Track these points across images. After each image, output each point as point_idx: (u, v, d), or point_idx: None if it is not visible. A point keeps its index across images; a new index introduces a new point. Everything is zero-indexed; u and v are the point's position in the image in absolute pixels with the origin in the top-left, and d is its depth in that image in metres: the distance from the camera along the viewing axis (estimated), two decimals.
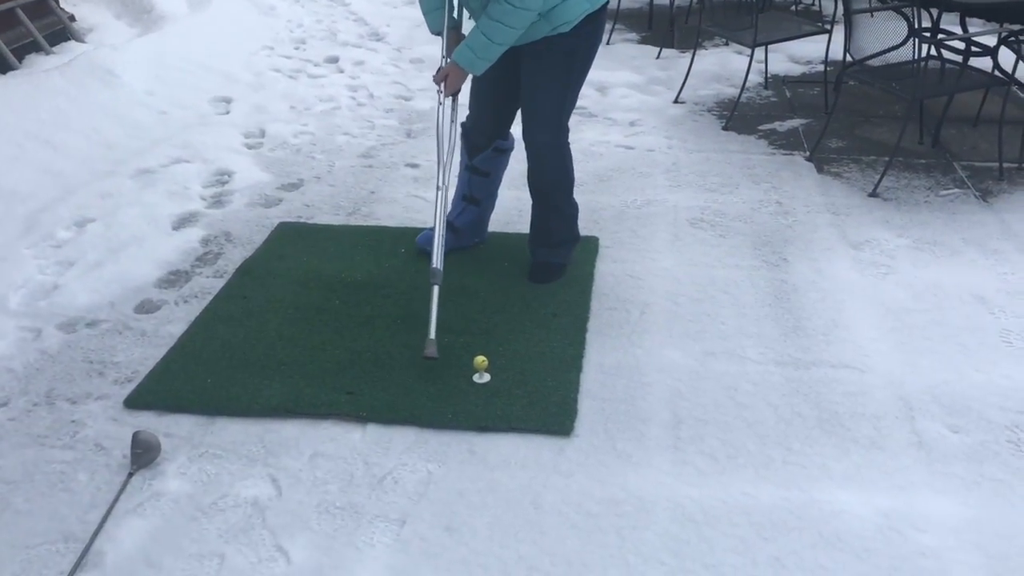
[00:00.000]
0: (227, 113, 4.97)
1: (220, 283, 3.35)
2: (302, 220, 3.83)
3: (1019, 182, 4.10)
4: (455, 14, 3.13)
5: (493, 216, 3.56)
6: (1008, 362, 2.86)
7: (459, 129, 3.22)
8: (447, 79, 3.01)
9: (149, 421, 2.63)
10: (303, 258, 3.49)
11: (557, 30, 2.91)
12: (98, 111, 4.74)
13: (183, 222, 3.80)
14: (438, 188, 3.05)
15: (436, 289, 2.88)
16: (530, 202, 3.32)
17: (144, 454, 2.45)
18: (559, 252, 3.32)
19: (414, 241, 3.54)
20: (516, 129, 3.25)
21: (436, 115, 3.13)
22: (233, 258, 3.53)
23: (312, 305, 3.18)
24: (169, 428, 2.60)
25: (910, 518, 2.27)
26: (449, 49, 3.07)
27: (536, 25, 2.87)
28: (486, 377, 2.77)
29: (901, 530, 2.24)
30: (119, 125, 4.66)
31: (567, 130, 3.13)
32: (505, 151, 3.34)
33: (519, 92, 3.07)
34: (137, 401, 2.70)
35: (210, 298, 3.25)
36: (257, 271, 3.41)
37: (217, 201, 3.99)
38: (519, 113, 3.17)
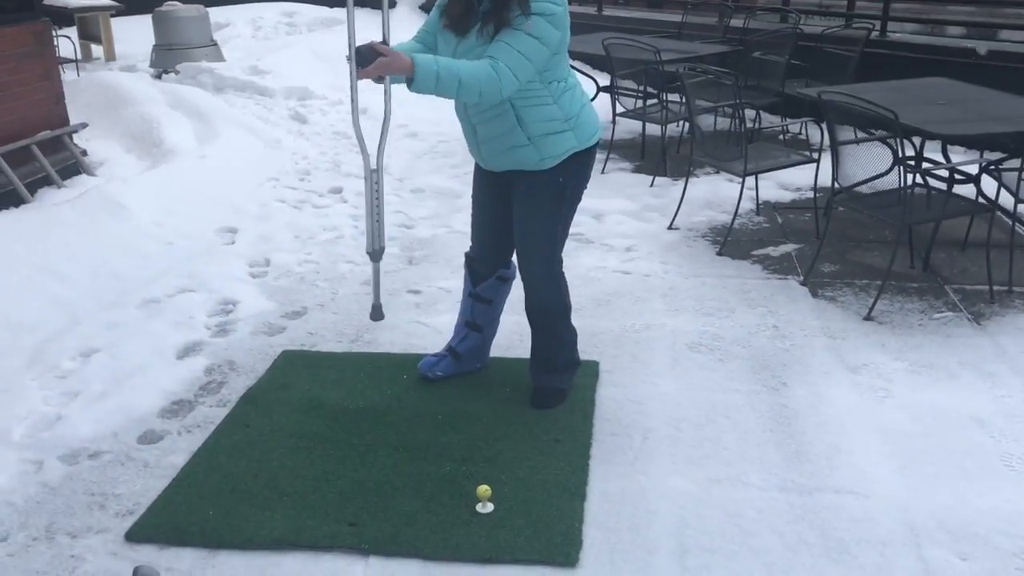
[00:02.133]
0: (233, 243, 5.09)
1: (223, 412, 3.37)
2: (305, 348, 3.87)
3: (1010, 304, 4.17)
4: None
5: (494, 341, 3.61)
6: (1011, 486, 2.86)
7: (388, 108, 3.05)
8: (385, 68, 2.70)
9: (150, 555, 2.61)
10: (306, 386, 3.52)
11: (544, 162, 3.02)
12: (106, 242, 4.85)
13: (187, 351, 3.84)
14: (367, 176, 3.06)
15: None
16: (529, 327, 3.38)
17: None
18: (560, 377, 3.35)
19: (416, 367, 3.58)
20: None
21: (350, 90, 2.98)
22: (236, 387, 3.56)
23: (315, 434, 3.19)
24: (170, 562, 2.57)
25: None
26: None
27: (526, 152, 2.98)
28: (489, 507, 2.75)
29: None
30: (126, 256, 4.76)
31: (560, 260, 3.22)
32: (507, 279, 3.42)
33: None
34: (138, 534, 2.68)
35: (213, 428, 3.26)
36: (260, 400, 3.43)
37: (221, 330, 4.05)
38: None
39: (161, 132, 6.75)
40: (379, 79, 2.88)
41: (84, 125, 6.38)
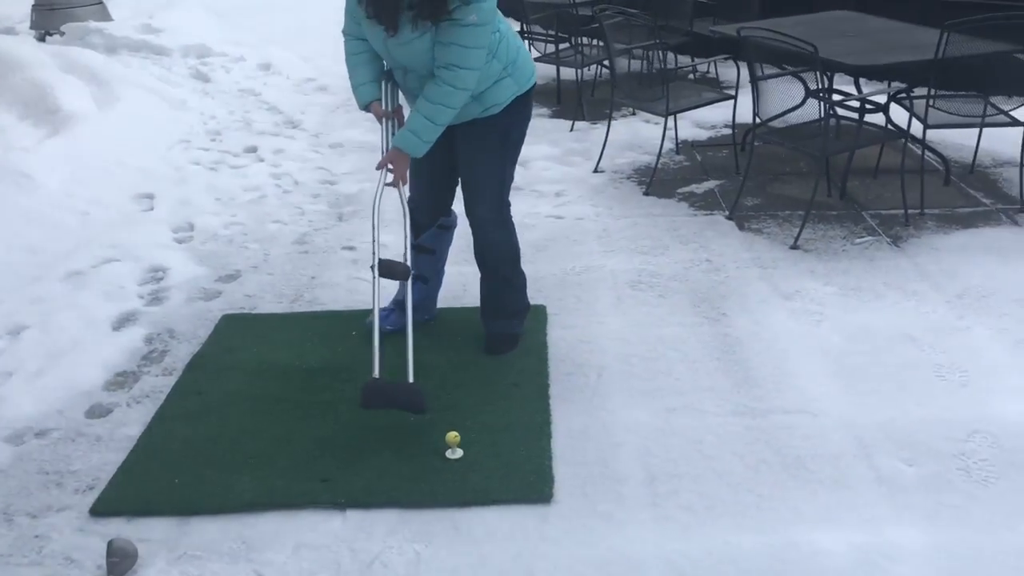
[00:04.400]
0: (151, 209, 4.92)
1: (170, 381, 3.29)
2: (246, 311, 3.80)
3: (923, 226, 4.39)
4: (389, 95, 3.11)
5: (440, 293, 3.61)
6: (944, 395, 3.05)
7: (406, 208, 3.16)
8: (394, 166, 3.01)
9: (120, 528, 2.55)
10: (253, 349, 3.47)
11: (488, 111, 3.03)
12: (17, 215, 4.62)
13: (123, 322, 3.73)
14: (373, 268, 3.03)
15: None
16: (475, 276, 3.39)
17: (121, 562, 2.37)
18: (512, 323, 3.39)
19: (364, 323, 3.55)
20: (458, 205, 3.34)
21: (374, 200, 3.09)
22: (180, 354, 3.48)
23: (270, 396, 3.16)
24: (143, 533, 2.52)
25: (883, 550, 2.38)
26: (390, 129, 3.08)
27: (468, 107, 2.97)
28: (459, 452, 2.79)
29: (877, 563, 2.34)
30: (40, 228, 4.55)
31: (508, 204, 3.24)
32: (449, 228, 3.42)
33: (456, 169, 3.17)
34: (104, 508, 2.62)
35: (163, 397, 3.19)
36: (208, 366, 3.37)
37: (155, 298, 3.93)
38: (460, 189, 3.26)
39: (56, 97, 6.38)
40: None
41: None
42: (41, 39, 8.31)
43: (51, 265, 4.20)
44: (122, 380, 3.33)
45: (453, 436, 2.79)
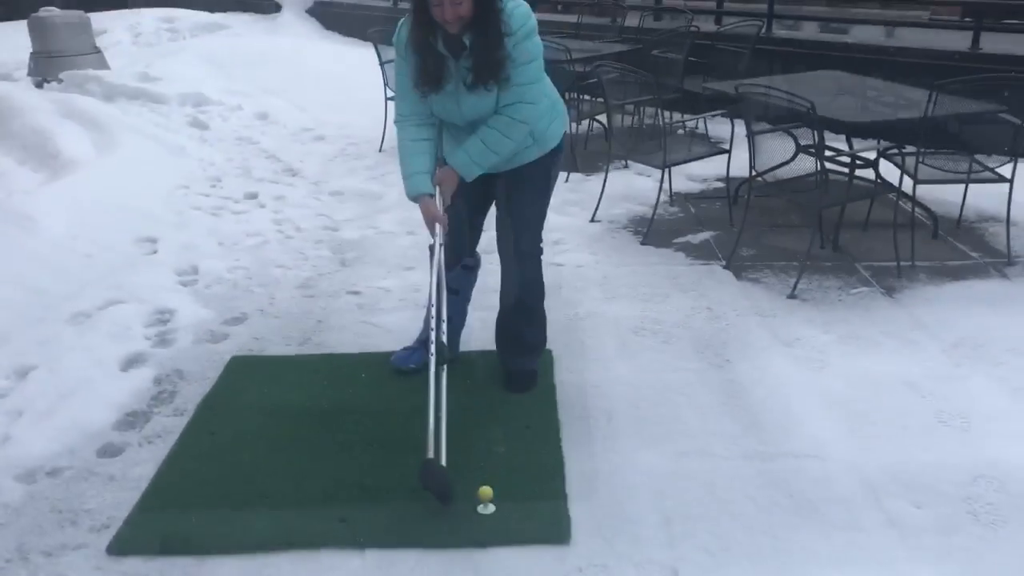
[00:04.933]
0: (155, 253, 4.94)
1: (181, 421, 3.30)
2: (254, 353, 3.82)
3: (916, 278, 4.51)
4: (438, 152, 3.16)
5: None
6: (948, 440, 3.12)
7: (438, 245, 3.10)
8: (442, 186, 3.05)
9: (137, 567, 2.55)
10: (263, 390, 3.49)
11: (541, 153, 3.16)
12: (20, 257, 4.63)
13: (131, 363, 3.73)
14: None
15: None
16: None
17: None
18: (531, 358, 3.47)
19: (374, 366, 3.59)
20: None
21: (433, 260, 3.07)
22: (190, 395, 3.49)
23: (284, 436, 3.17)
24: (161, 572, 2.52)
25: None
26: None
27: (529, 149, 3.12)
28: (491, 508, 2.75)
29: None
30: (44, 270, 4.55)
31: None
32: (473, 268, 3.49)
33: (485, 214, 3.26)
34: (120, 547, 2.61)
35: (174, 437, 3.20)
36: (219, 407, 3.38)
37: (162, 340, 3.95)
38: (498, 228, 3.34)
39: (56, 143, 6.45)
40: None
41: None
42: (39, 86, 8.40)
43: (56, 306, 4.21)
44: (132, 420, 3.33)
45: (486, 491, 2.76)
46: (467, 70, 2.87)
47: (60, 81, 8.26)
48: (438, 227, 3.04)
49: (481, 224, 3.37)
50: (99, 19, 12.14)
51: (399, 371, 3.51)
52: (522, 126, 2.96)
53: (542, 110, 3.06)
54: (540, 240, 3.31)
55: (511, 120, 2.94)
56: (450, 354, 3.50)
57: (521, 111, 2.94)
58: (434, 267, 3.07)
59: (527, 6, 2.90)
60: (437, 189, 3.07)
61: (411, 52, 2.92)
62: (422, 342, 3.51)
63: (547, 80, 3.12)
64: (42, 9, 9.10)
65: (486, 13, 2.76)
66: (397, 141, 3.12)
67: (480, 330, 3.81)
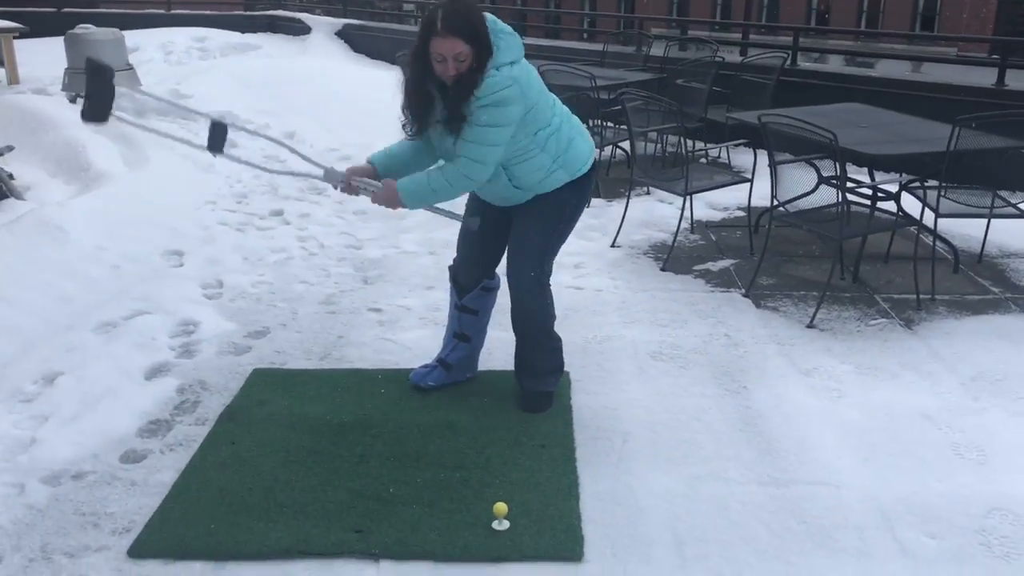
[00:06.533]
0: (181, 266, 5.03)
1: (203, 431, 3.36)
2: (276, 366, 3.88)
3: (935, 311, 4.51)
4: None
5: None
6: (963, 472, 3.12)
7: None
8: (380, 203, 3.16)
9: (156, 570, 2.59)
10: (284, 402, 3.54)
11: (540, 194, 3.21)
12: (49, 266, 4.73)
13: (155, 372, 3.80)
14: None
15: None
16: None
17: None
18: (546, 380, 3.48)
19: (393, 382, 3.64)
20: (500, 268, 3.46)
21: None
22: (212, 406, 3.55)
23: (303, 448, 3.22)
24: (180, 574, 2.56)
25: None
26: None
27: (519, 194, 3.19)
28: (505, 524, 2.78)
29: None
30: (73, 280, 4.65)
31: (548, 273, 3.36)
32: (492, 290, 3.54)
33: (505, 237, 3.30)
34: (141, 550, 2.66)
35: (195, 445, 3.25)
36: (240, 417, 3.43)
37: (186, 351, 4.01)
38: (504, 253, 3.40)
39: (88, 156, 6.58)
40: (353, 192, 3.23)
41: (10, 148, 6.19)
42: (72, 100, 8.54)
43: (84, 315, 4.29)
44: (155, 428, 3.39)
45: (501, 507, 2.78)
46: (444, 111, 3.03)
47: None
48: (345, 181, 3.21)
49: (500, 246, 3.41)
50: (132, 36, 12.36)
51: (417, 388, 3.56)
52: (465, 180, 3.03)
53: (539, 165, 3.11)
54: (541, 272, 3.31)
55: (455, 169, 3.02)
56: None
57: (466, 166, 3.00)
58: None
59: (506, 79, 2.92)
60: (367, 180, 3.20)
61: (403, 88, 3.09)
62: (440, 360, 3.56)
63: (558, 135, 3.14)
64: (78, 26, 9.30)
65: (471, 74, 2.90)
66: None
67: (498, 350, 3.86)
